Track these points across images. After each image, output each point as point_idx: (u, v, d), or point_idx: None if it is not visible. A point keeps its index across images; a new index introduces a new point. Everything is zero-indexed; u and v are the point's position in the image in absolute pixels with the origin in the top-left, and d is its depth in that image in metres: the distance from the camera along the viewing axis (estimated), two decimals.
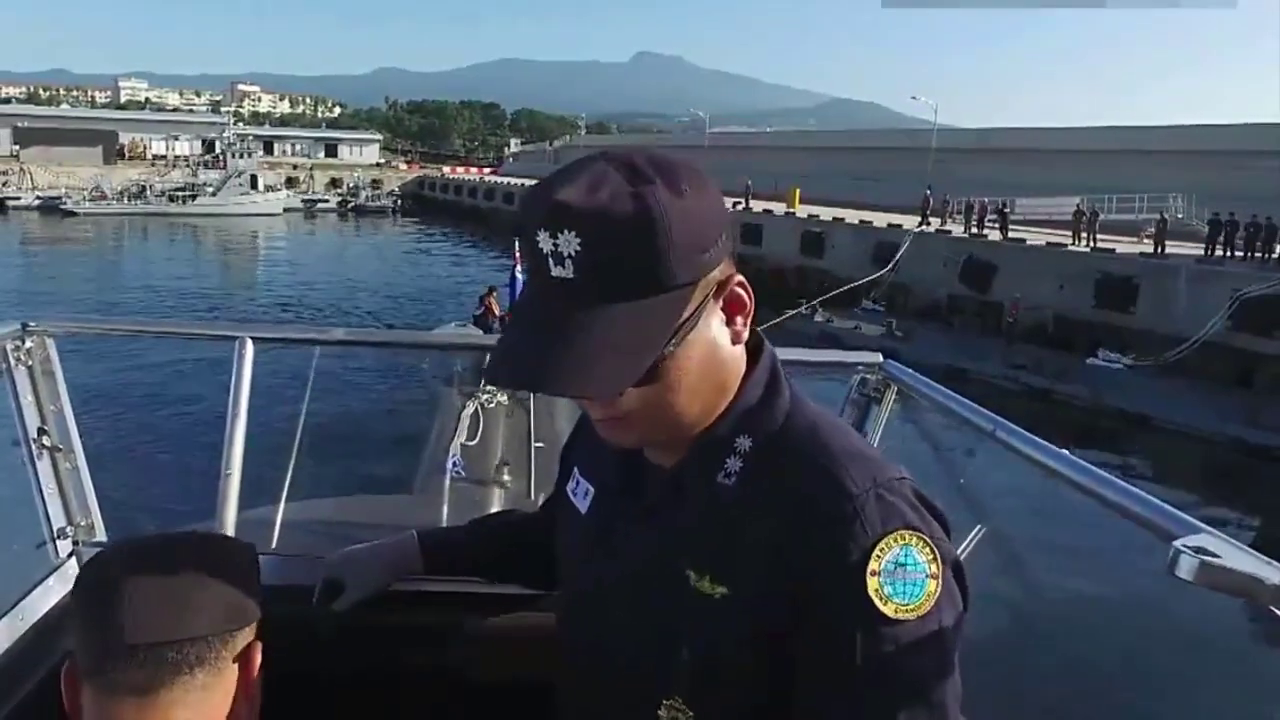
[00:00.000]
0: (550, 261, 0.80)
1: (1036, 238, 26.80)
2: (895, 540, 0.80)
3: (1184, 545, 0.85)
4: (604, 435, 0.90)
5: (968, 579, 0.87)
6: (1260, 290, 19.50)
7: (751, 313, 0.91)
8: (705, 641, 0.87)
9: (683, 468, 0.92)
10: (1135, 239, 25.98)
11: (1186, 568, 0.83)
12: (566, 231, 0.78)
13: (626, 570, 0.94)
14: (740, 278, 0.90)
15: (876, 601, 0.79)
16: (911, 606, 0.80)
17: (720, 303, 0.88)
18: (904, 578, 0.80)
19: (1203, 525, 0.95)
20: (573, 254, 0.79)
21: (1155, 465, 15.51)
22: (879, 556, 0.79)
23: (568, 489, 1.11)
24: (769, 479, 0.87)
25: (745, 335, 0.91)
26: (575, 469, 1.10)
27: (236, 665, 0.86)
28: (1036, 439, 1.34)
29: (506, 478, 7.25)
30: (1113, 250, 24.04)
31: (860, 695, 0.80)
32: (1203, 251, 23.59)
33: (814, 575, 0.81)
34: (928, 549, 0.81)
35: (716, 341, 0.89)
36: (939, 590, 0.81)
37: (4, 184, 66.93)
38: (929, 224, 30.24)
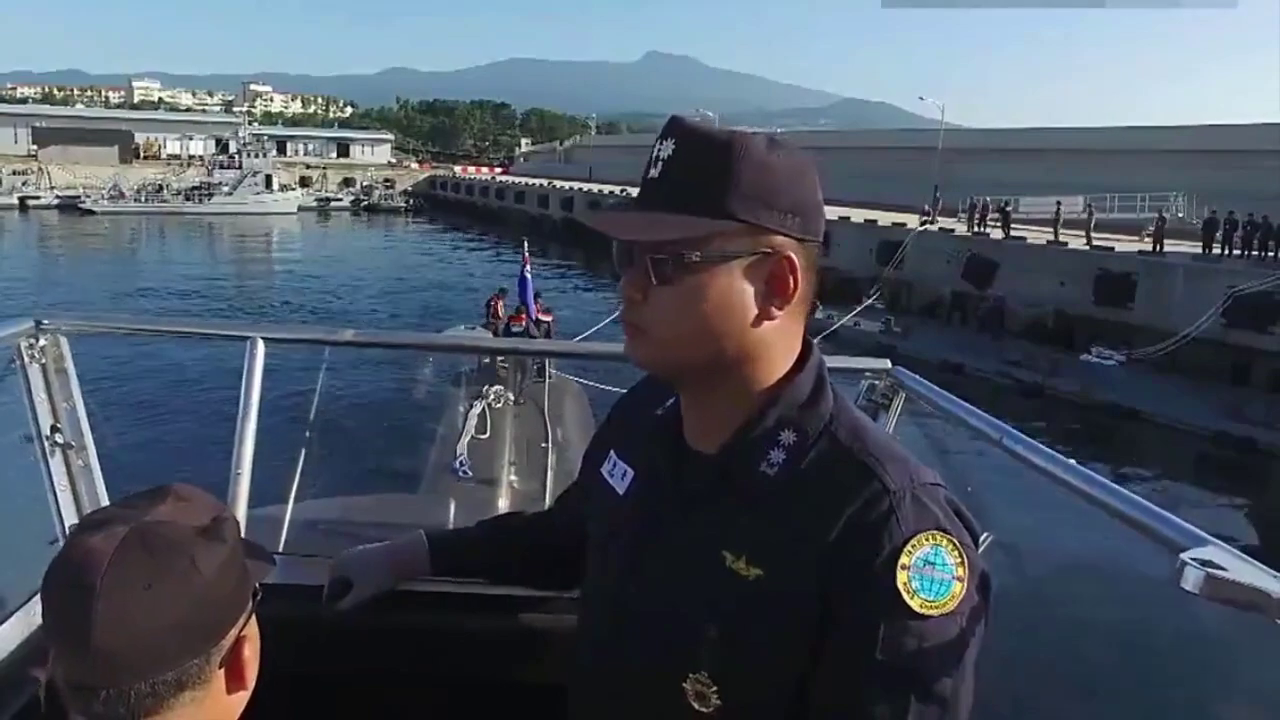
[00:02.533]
0: (652, 166, 0.93)
1: (1038, 236, 27.24)
2: (927, 539, 0.84)
3: (1191, 558, 0.86)
4: (626, 349, 0.97)
5: (991, 594, 0.88)
6: (1253, 287, 19.93)
7: (794, 301, 0.94)
8: (735, 620, 0.89)
9: (727, 455, 0.95)
10: (1137, 238, 26.36)
11: (1193, 580, 0.84)
12: (668, 140, 0.92)
13: (663, 549, 0.97)
14: (795, 260, 0.92)
15: (904, 594, 0.82)
16: (937, 603, 0.83)
17: (766, 270, 0.92)
18: (932, 575, 0.83)
19: (1210, 538, 0.95)
20: (665, 157, 0.92)
21: (1143, 457, 15.96)
22: (910, 552, 0.83)
23: (603, 470, 1.12)
24: (811, 472, 0.91)
25: (775, 317, 0.93)
26: (612, 451, 1.13)
27: (224, 669, 0.84)
28: (1044, 447, 1.34)
29: (514, 478, 7.23)
30: (1112, 249, 24.50)
31: (876, 684, 0.83)
32: (1200, 249, 23.98)
33: (846, 565, 0.85)
34: (957, 552, 0.84)
35: (742, 297, 0.92)
36: (964, 593, 0.84)
37: (23, 183, 67.60)
38: (933, 223, 30.68)
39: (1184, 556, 0.87)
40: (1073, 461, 1.28)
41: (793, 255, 0.92)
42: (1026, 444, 1.37)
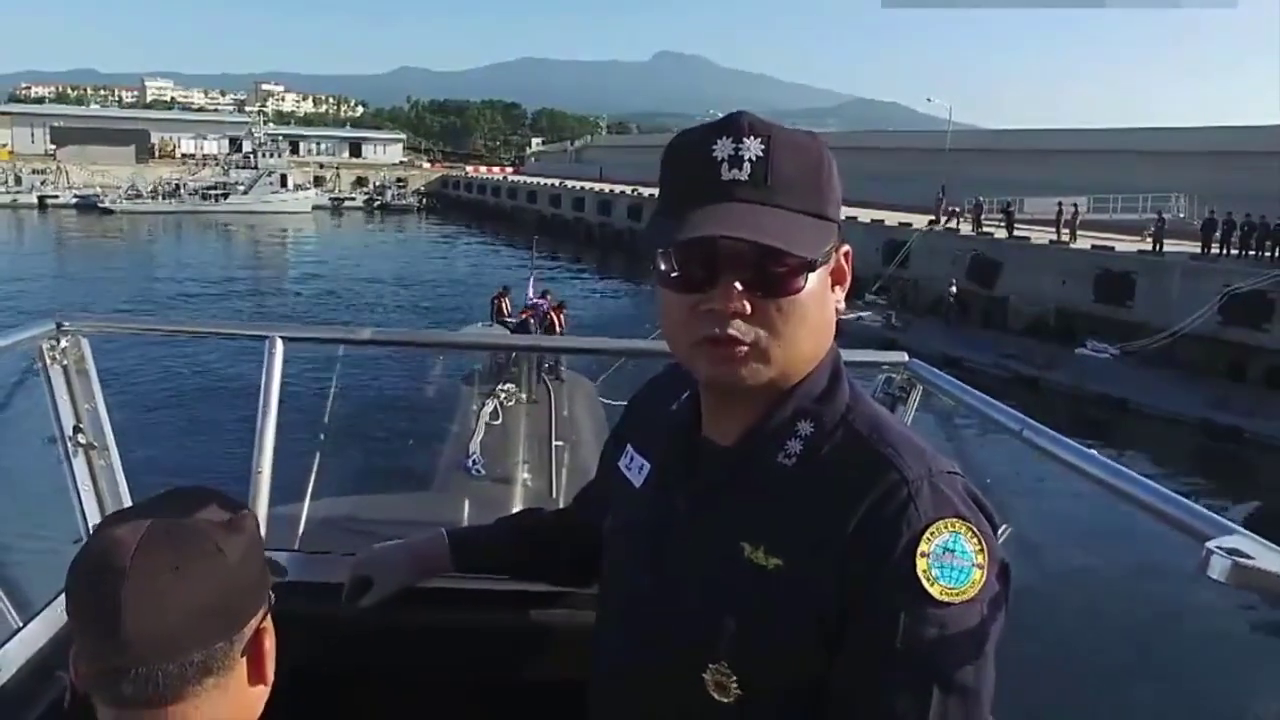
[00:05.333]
0: (725, 166, 0.86)
1: (1041, 236, 27.71)
2: (946, 527, 0.83)
3: (1216, 546, 0.85)
4: (714, 368, 0.90)
5: (1011, 584, 0.87)
6: (1248, 286, 20.47)
7: (847, 292, 0.95)
8: (754, 610, 0.89)
9: (744, 447, 0.95)
10: (1139, 237, 26.78)
11: (1219, 569, 0.83)
12: (751, 138, 0.85)
13: (680, 541, 0.97)
14: (849, 250, 0.94)
15: (924, 582, 0.81)
16: (957, 591, 0.81)
17: (834, 266, 0.93)
18: (951, 563, 0.82)
19: (1236, 526, 0.94)
20: (754, 158, 0.85)
21: (1133, 446, 16.38)
22: (929, 539, 0.82)
23: (620, 464, 1.12)
24: (828, 463, 0.90)
25: (841, 308, 0.95)
26: (629, 445, 1.12)
27: (245, 658, 0.85)
28: (1064, 439, 1.32)
29: (526, 475, 7.37)
30: (1112, 248, 24.98)
31: (898, 673, 0.82)
32: (1199, 249, 24.41)
33: (865, 554, 0.84)
34: (976, 540, 0.83)
35: (828, 295, 0.93)
36: (984, 580, 0.83)
37: (42, 182, 68.46)
38: (937, 223, 31.15)
39: (1210, 545, 0.85)
40: (1094, 452, 1.26)
41: (849, 247, 0.96)
42: (1047, 435, 1.35)
